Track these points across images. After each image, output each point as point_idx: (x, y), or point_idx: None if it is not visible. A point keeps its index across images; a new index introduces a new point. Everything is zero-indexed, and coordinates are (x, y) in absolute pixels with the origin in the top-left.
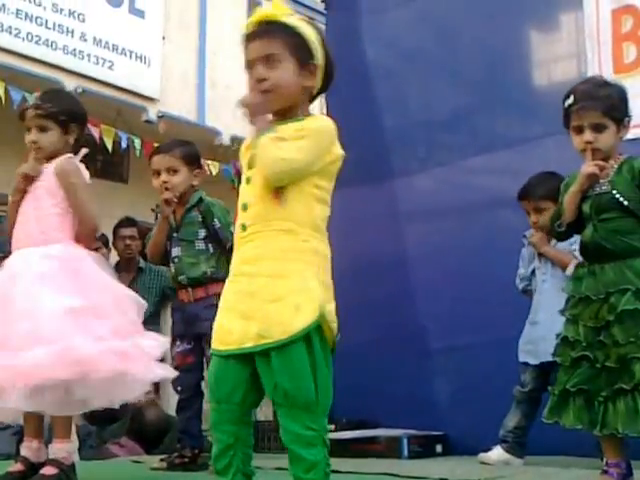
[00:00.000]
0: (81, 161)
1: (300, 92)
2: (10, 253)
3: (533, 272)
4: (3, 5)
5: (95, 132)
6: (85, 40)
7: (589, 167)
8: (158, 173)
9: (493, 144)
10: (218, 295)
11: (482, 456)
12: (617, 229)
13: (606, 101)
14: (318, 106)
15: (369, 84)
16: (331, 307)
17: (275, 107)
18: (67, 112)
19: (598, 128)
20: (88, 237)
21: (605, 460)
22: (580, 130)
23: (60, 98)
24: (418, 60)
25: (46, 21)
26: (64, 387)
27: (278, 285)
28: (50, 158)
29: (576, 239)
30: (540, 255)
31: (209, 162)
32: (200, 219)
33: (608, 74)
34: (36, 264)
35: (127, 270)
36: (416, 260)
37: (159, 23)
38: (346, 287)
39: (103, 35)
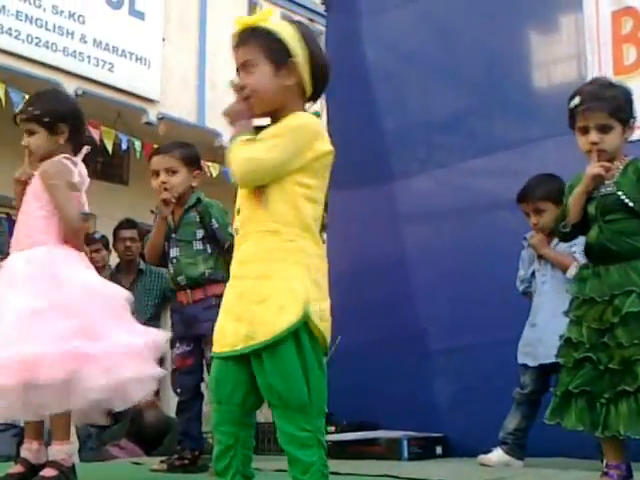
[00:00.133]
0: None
1: (282, 92)
2: (9, 255)
3: (533, 274)
4: (3, 7)
5: (95, 134)
6: (85, 42)
7: (595, 168)
8: (157, 174)
9: (493, 146)
10: (217, 296)
11: (482, 458)
12: (622, 230)
13: (612, 102)
14: (318, 108)
15: (369, 86)
16: (322, 306)
17: (258, 111)
18: (51, 113)
19: (604, 129)
20: (73, 238)
21: (605, 462)
22: (586, 131)
23: (44, 100)
24: (418, 62)
25: (46, 23)
26: (15, 392)
27: (263, 286)
28: (43, 160)
29: (576, 241)
30: (540, 257)
31: (209, 164)
32: (198, 219)
33: (608, 76)
34: (18, 268)
35: (127, 272)
36: (416, 261)
37: (159, 25)
38: (346, 288)
39: (103, 37)
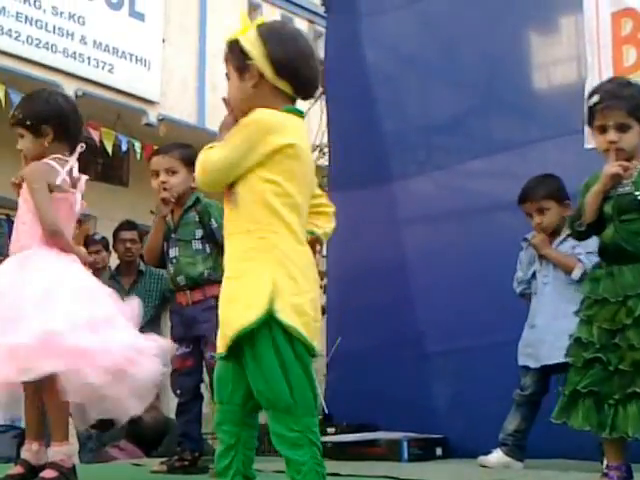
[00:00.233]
0: (78, 161)
1: (250, 95)
2: (8, 256)
3: (534, 275)
4: (3, 8)
5: (95, 135)
6: (85, 43)
7: (613, 167)
8: (157, 174)
9: (492, 147)
10: (216, 297)
11: (482, 459)
12: (638, 231)
13: (631, 101)
14: (318, 109)
15: (368, 87)
16: (299, 300)
17: (238, 119)
18: (32, 116)
19: (622, 128)
20: (52, 241)
21: (606, 463)
22: (604, 129)
23: (29, 103)
24: (418, 63)
25: (46, 24)
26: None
27: (234, 286)
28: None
29: (579, 243)
30: (541, 257)
31: None
32: (197, 219)
33: (608, 77)
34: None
35: (127, 273)
36: (415, 263)
37: (159, 26)
38: (345, 291)
39: (103, 38)
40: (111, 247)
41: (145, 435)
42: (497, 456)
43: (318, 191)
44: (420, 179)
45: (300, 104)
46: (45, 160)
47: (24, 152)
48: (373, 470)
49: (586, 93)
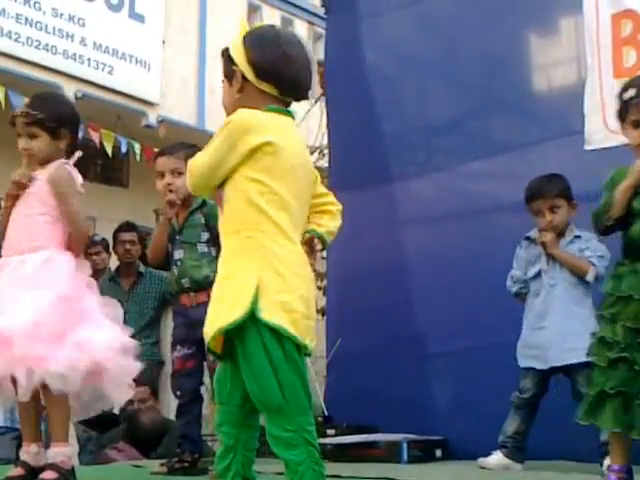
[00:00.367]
0: (75, 164)
1: (239, 99)
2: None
3: (539, 274)
4: (3, 9)
5: (95, 137)
6: (85, 45)
7: None
8: (162, 175)
9: (492, 149)
10: None
11: (482, 461)
12: None
13: None
14: (318, 111)
15: (368, 88)
16: (286, 297)
17: None
18: (55, 118)
19: None
20: (79, 245)
21: (607, 465)
22: (638, 125)
23: (48, 103)
24: (417, 64)
25: (46, 26)
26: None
27: (222, 286)
28: (43, 163)
29: (587, 245)
30: (549, 257)
31: None
32: (203, 221)
33: (608, 78)
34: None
35: (127, 275)
36: (414, 264)
37: (159, 28)
38: (345, 292)
39: (103, 40)
40: (111, 248)
41: (143, 436)
42: (497, 458)
43: (323, 190)
44: (420, 180)
45: (300, 105)
46: (62, 164)
47: (33, 152)
48: (373, 472)
49: (586, 94)
